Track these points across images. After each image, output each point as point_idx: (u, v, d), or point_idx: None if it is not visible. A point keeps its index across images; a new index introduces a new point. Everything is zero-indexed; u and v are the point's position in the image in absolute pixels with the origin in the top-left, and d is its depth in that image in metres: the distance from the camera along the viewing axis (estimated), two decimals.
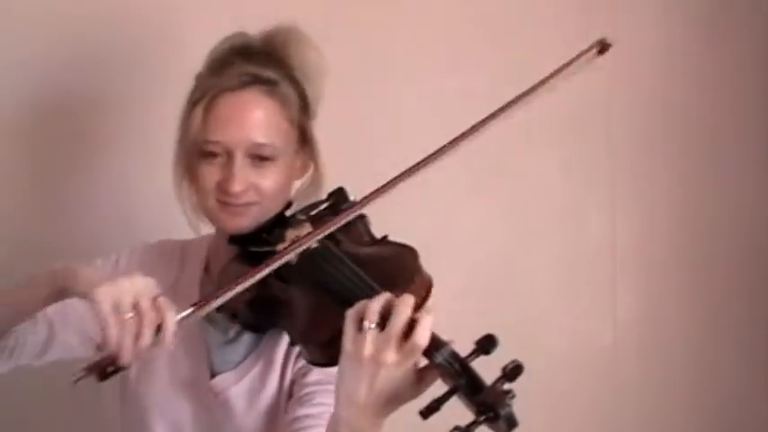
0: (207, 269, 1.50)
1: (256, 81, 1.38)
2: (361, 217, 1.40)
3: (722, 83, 2.40)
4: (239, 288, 1.23)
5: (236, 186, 1.35)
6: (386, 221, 1.44)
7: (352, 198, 1.42)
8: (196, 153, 1.37)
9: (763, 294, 2.45)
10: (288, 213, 1.43)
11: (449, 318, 1.10)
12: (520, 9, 2.21)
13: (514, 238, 2.23)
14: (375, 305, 1.09)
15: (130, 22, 1.87)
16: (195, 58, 1.44)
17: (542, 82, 1.27)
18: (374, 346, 1.07)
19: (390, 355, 1.06)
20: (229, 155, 1.36)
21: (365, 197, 1.29)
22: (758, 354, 2.45)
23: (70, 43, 1.85)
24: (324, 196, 1.43)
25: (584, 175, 2.30)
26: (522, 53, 2.20)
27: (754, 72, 2.42)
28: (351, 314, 1.10)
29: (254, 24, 1.44)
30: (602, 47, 1.27)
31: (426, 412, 1.04)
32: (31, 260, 1.83)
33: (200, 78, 1.41)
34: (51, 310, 1.39)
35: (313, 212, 1.41)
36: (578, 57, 1.27)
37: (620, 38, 2.26)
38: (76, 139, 1.88)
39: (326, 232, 1.28)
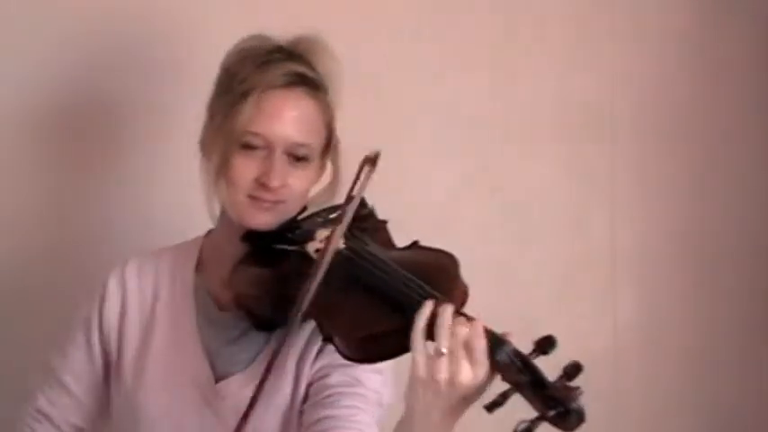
0: (198, 270, 1.49)
1: (303, 81, 1.38)
2: (383, 222, 1.41)
3: (723, 84, 2.40)
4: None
5: (275, 181, 1.35)
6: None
7: (370, 204, 1.42)
8: (236, 144, 1.37)
9: (763, 295, 2.45)
10: (300, 218, 1.44)
11: None
12: (520, 9, 2.21)
13: (514, 238, 2.23)
14: (444, 329, 1.09)
15: (146, 24, 1.86)
16: (211, 60, 1.44)
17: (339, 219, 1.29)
18: (448, 370, 1.08)
19: (466, 374, 1.07)
20: (270, 149, 1.36)
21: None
22: (758, 354, 2.46)
23: (89, 44, 1.84)
24: (337, 202, 1.42)
25: (585, 175, 2.30)
26: (523, 53, 2.21)
27: (755, 73, 2.42)
28: (418, 338, 1.10)
29: (269, 27, 1.44)
30: (372, 160, 1.29)
31: (491, 406, 1.05)
32: (47, 265, 1.84)
33: (239, 70, 1.39)
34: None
35: (333, 215, 1.40)
36: (356, 180, 1.30)
37: (621, 39, 2.31)
38: (93, 142, 1.87)
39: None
